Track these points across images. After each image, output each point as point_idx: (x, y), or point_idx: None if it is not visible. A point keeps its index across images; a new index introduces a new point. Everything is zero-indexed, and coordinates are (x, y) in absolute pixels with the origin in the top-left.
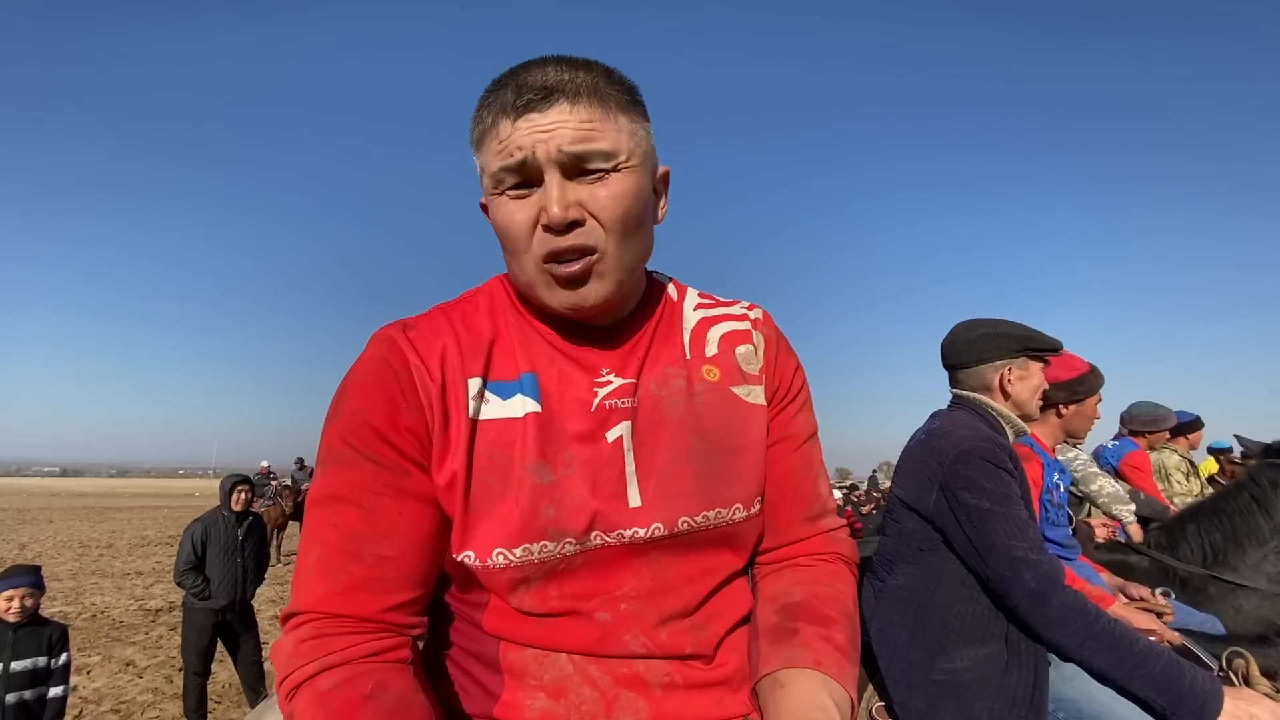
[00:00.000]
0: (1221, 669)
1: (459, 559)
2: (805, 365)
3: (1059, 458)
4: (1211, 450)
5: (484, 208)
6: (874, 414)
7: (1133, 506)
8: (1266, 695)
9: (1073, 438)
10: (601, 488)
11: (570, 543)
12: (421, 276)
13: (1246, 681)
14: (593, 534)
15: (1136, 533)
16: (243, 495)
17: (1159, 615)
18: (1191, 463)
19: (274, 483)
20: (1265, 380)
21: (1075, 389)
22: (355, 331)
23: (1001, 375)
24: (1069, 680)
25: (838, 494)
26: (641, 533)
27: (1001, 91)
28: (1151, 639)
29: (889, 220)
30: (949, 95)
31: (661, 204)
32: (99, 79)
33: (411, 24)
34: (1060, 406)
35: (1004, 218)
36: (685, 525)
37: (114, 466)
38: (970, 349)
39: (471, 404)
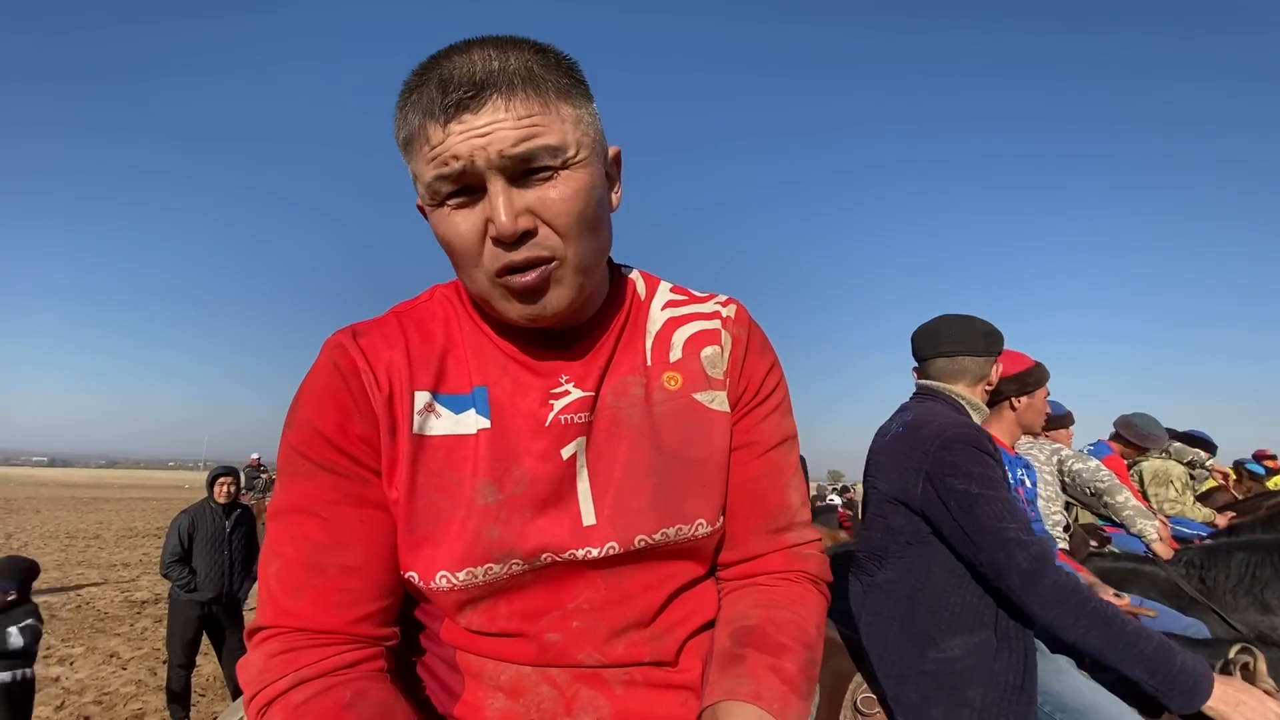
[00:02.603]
0: (1229, 663)
1: (405, 576)
2: (799, 366)
3: (1081, 464)
4: (1240, 467)
5: (422, 210)
6: (868, 415)
7: (1156, 523)
8: (1267, 692)
9: (1028, 432)
10: (552, 508)
11: (517, 564)
12: (414, 270)
13: (1251, 677)
14: (542, 555)
15: (1162, 550)
16: (225, 488)
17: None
18: (1192, 477)
19: (264, 475)
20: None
21: (1025, 381)
22: (346, 323)
23: (995, 370)
24: (1055, 674)
25: (835, 499)
26: (595, 552)
27: (1000, 91)
28: (1140, 623)
29: (884, 220)
30: (948, 94)
31: (616, 190)
32: (88, 82)
33: (395, 17)
34: (1012, 400)
35: (1001, 219)
36: (642, 543)
37: (103, 457)
38: (983, 341)
39: (416, 419)
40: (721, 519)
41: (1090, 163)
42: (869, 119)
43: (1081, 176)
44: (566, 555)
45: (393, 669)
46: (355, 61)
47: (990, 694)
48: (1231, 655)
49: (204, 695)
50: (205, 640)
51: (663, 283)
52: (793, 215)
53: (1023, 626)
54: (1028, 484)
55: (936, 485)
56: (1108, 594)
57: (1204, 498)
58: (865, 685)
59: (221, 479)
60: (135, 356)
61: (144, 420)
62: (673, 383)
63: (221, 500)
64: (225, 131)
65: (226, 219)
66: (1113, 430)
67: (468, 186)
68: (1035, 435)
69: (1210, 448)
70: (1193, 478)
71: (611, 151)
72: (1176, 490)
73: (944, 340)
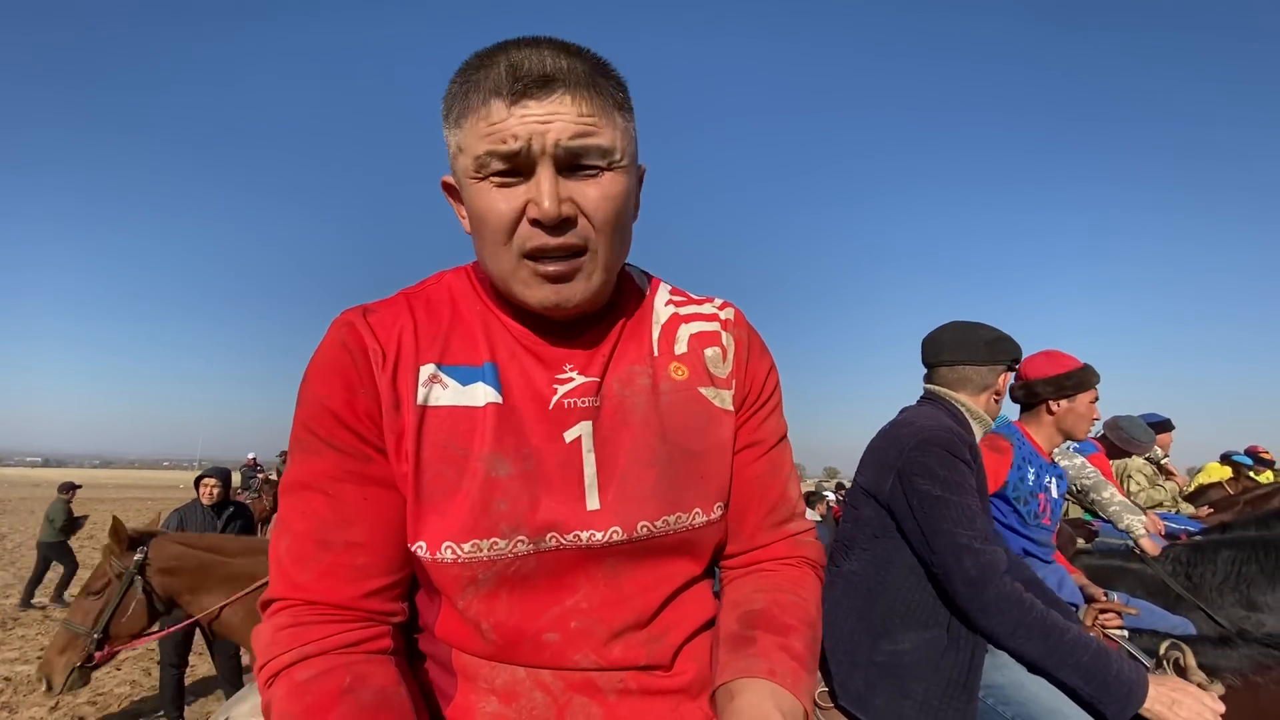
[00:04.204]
0: (1160, 659)
1: (412, 549)
2: (794, 363)
3: (1067, 461)
4: (1229, 460)
5: (447, 188)
6: (864, 413)
7: (1143, 518)
8: (1199, 685)
9: (1069, 438)
10: (559, 488)
11: (523, 541)
12: (411, 268)
13: (1182, 672)
14: (548, 534)
15: (1149, 546)
16: (208, 490)
17: (1118, 614)
18: (1159, 466)
19: (260, 475)
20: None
21: (1062, 384)
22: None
23: (1003, 378)
24: (1000, 668)
25: (831, 496)
26: (599, 536)
27: (998, 87)
28: (1082, 631)
29: (879, 218)
30: (944, 91)
31: (637, 203)
32: (84, 79)
33: (390, 14)
34: (1049, 403)
35: (999, 217)
36: (644, 530)
37: (97, 457)
38: (986, 350)
39: (421, 390)
40: (718, 511)
41: (1098, 159)
42: (865, 111)
43: (1088, 172)
44: (571, 536)
45: (399, 648)
46: (350, 64)
47: (933, 688)
48: (1162, 652)
49: (197, 695)
50: (199, 640)
51: (663, 283)
52: (789, 212)
53: (971, 627)
54: (1054, 493)
55: (904, 483)
56: (1098, 594)
57: (1198, 494)
58: (822, 679)
59: (204, 481)
60: (130, 356)
61: (139, 420)
62: (679, 373)
63: (207, 502)
64: (220, 131)
65: (221, 219)
66: (1100, 430)
67: (516, 168)
68: (1075, 441)
69: (1164, 425)
70: (1159, 467)
71: (640, 169)
72: (1140, 484)
73: (945, 349)
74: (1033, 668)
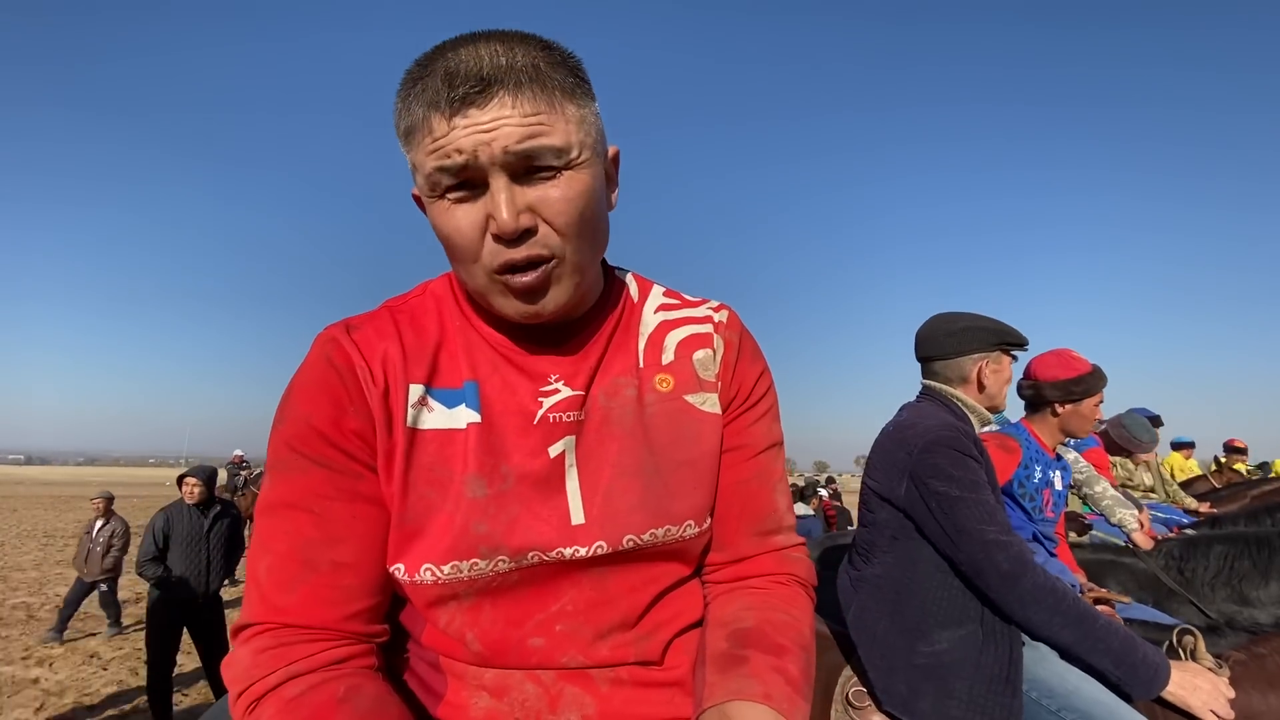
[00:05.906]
0: (1172, 644)
1: (390, 570)
2: (782, 357)
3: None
4: (1177, 445)
5: (418, 200)
6: (853, 407)
7: (1135, 512)
8: (1209, 669)
9: (1071, 436)
10: (541, 505)
11: (503, 560)
12: (400, 265)
13: (1193, 657)
14: (529, 553)
15: (1142, 540)
16: (191, 489)
17: (1110, 604)
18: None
19: (245, 472)
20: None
21: (1071, 389)
22: (330, 319)
23: (980, 368)
24: (1039, 662)
25: (823, 492)
26: (583, 551)
27: (995, 79)
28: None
29: (870, 210)
30: (942, 84)
31: (613, 190)
32: (76, 61)
33: (381, 12)
34: (1055, 405)
35: (994, 205)
36: (631, 543)
37: (82, 454)
38: (951, 341)
39: (410, 412)
40: (709, 520)
41: (1087, 149)
42: (852, 101)
43: (1085, 163)
44: (554, 554)
45: (382, 666)
46: (334, 64)
47: (977, 686)
48: (1175, 639)
49: (186, 695)
50: (187, 639)
51: (656, 286)
52: (776, 202)
53: (1006, 620)
54: (1058, 485)
55: (919, 486)
56: (1098, 593)
57: (1184, 487)
58: (856, 679)
59: (186, 480)
60: (114, 351)
61: (124, 416)
62: (664, 385)
63: (191, 500)
64: (211, 131)
65: (206, 214)
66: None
67: (469, 181)
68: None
69: (1154, 422)
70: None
71: (611, 151)
72: (1119, 473)
73: (922, 344)
74: (1064, 654)
